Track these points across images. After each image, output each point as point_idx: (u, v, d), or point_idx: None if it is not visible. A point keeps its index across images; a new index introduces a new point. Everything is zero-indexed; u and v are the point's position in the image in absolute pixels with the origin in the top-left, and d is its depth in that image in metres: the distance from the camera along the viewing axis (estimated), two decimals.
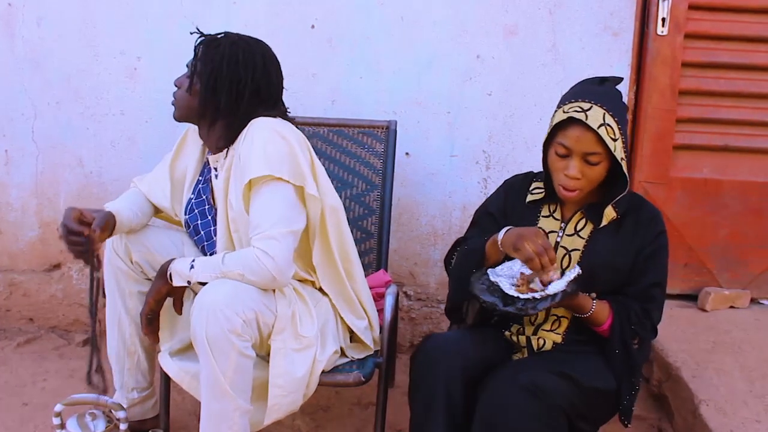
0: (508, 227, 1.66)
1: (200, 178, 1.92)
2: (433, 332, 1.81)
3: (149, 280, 1.91)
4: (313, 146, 1.80)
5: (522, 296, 1.56)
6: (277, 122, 1.72)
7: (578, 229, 1.72)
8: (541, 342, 1.73)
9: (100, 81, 2.56)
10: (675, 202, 2.58)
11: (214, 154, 1.82)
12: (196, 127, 1.84)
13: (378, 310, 1.98)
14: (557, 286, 1.56)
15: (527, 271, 1.61)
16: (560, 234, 1.73)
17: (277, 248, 1.61)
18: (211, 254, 1.84)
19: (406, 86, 2.52)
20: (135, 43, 2.53)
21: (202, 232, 1.88)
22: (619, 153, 1.60)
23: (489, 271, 1.65)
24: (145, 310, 1.73)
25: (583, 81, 1.72)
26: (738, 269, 2.64)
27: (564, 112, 1.63)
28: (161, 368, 1.81)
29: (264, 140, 1.66)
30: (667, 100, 2.52)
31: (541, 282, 1.58)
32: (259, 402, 1.68)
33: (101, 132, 2.59)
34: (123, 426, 1.82)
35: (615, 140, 1.59)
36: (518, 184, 1.86)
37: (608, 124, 1.58)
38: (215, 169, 1.84)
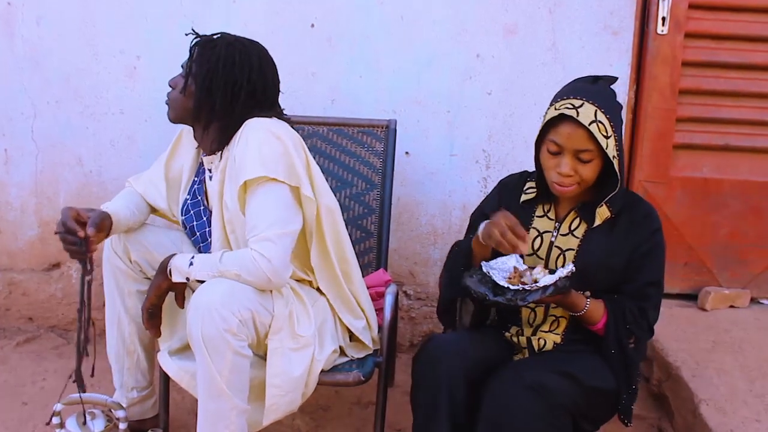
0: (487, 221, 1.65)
1: (195, 179, 1.92)
2: (434, 333, 1.80)
3: (148, 279, 1.91)
4: (312, 145, 1.80)
5: (512, 287, 1.56)
6: (272, 122, 1.71)
7: (572, 228, 1.72)
8: (542, 342, 1.73)
9: (100, 80, 2.55)
10: (675, 201, 2.58)
11: (209, 155, 1.82)
12: (191, 127, 1.84)
13: (377, 310, 1.97)
14: (548, 279, 1.56)
15: (521, 267, 1.62)
16: (554, 234, 1.73)
17: (274, 250, 1.60)
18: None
19: (406, 85, 2.52)
20: (134, 42, 2.52)
21: (197, 234, 1.88)
22: (612, 151, 1.59)
23: (482, 263, 1.65)
24: (146, 304, 1.73)
25: (576, 79, 1.71)
26: (738, 268, 2.64)
27: (555, 109, 1.62)
28: (160, 367, 1.80)
29: (259, 141, 1.66)
30: (667, 99, 2.52)
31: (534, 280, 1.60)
32: (257, 402, 1.67)
33: (101, 131, 2.59)
34: (122, 425, 1.82)
35: (607, 138, 1.58)
36: (513, 183, 1.85)
37: (600, 121, 1.58)
38: (209, 170, 1.84)
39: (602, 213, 1.68)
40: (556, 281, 1.55)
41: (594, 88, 1.64)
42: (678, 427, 2.11)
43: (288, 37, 2.49)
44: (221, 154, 1.78)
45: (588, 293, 1.67)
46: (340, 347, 1.85)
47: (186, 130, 1.94)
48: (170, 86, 1.80)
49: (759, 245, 2.63)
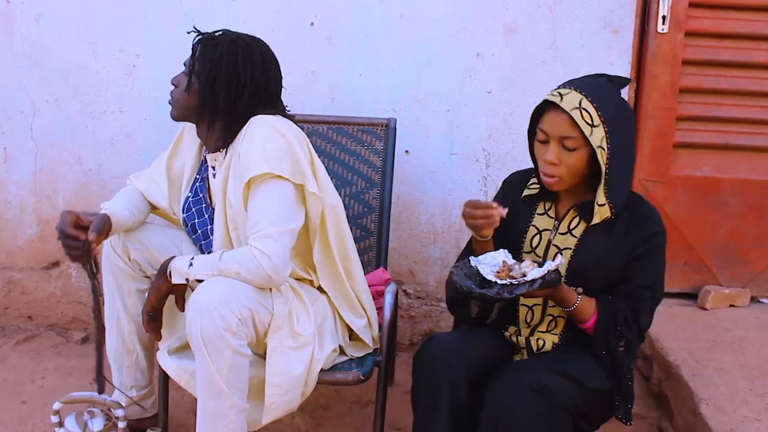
0: None
1: (197, 176, 1.91)
2: (434, 332, 1.80)
3: (148, 278, 1.91)
4: (312, 144, 1.80)
5: (499, 281, 1.55)
6: (277, 120, 1.71)
7: (571, 227, 1.71)
8: (541, 343, 1.72)
9: (99, 78, 2.55)
10: (675, 200, 2.58)
11: (212, 152, 1.81)
12: (193, 125, 1.84)
13: (377, 309, 1.97)
14: (535, 273, 1.55)
15: (510, 261, 1.61)
16: (553, 232, 1.73)
17: (274, 247, 1.60)
18: (208, 253, 1.83)
19: (406, 84, 2.51)
20: (134, 40, 2.52)
21: (199, 231, 1.87)
22: (597, 140, 1.57)
23: (471, 258, 1.65)
24: (147, 307, 1.73)
25: (585, 75, 1.71)
26: (738, 267, 2.64)
27: (543, 98, 1.64)
28: (160, 366, 1.80)
29: (263, 138, 1.65)
30: (668, 98, 2.52)
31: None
32: (256, 401, 1.67)
33: (100, 129, 2.59)
34: (121, 424, 1.82)
35: (593, 126, 1.56)
36: (517, 180, 1.85)
37: (584, 109, 1.56)
38: (213, 168, 1.84)
39: (602, 212, 1.65)
40: (544, 274, 1.54)
41: (589, 80, 1.64)
42: (678, 426, 2.11)
43: (288, 35, 2.49)
44: (225, 151, 1.78)
45: (580, 290, 1.66)
46: (340, 346, 1.85)
47: (188, 128, 1.94)
48: (173, 84, 1.79)
49: (759, 244, 2.63)
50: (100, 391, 1.83)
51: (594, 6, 2.45)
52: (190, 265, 1.65)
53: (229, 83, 1.71)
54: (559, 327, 1.72)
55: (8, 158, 2.62)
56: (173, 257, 1.70)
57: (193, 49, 1.76)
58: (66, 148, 2.60)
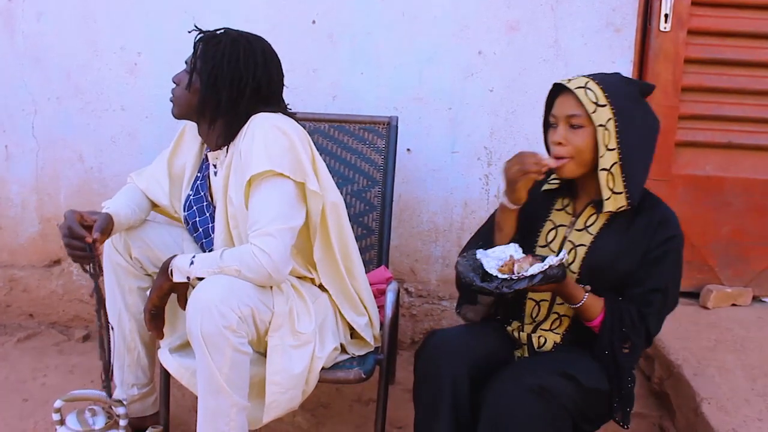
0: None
1: (198, 174, 1.91)
2: (435, 329, 1.79)
3: (149, 276, 1.91)
4: (314, 142, 1.80)
5: (500, 275, 1.55)
6: (278, 118, 1.71)
7: (588, 224, 1.70)
8: (542, 340, 1.72)
9: (101, 76, 2.55)
10: (677, 199, 2.57)
11: (214, 151, 1.81)
12: (194, 123, 1.83)
13: (379, 307, 1.97)
14: (536, 268, 1.54)
15: (517, 256, 1.60)
16: (570, 228, 1.72)
17: (274, 245, 1.60)
18: (209, 251, 1.83)
19: (408, 82, 2.51)
20: (135, 38, 2.52)
21: (200, 229, 1.87)
22: (601, 119, 1.58)
23: (477, 251, 1.64)
24: (149, 305, 1.73)
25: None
26: (740, 267, 2.63)
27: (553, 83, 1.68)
28: (161, 364, 1.80)
29: (265, 136, 1.65)
30: (670, 96, 2.51)
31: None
32: (257, 399, 1.67)
33: (101, 127, 2.59)
34: (123, 422, 1.82)
35: (598, 105, 1.59)
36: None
37: (590, 89, 1.60)
38: (214, 166, 1.84)
39: (617, 200, 1.63)
40: (545, 269, 1.53)
41: (605, 73, 1.67)
42: (679, 425, 2.11)
43: (289, 33, 2.48)
44: (227, 149, 1.78)
45: (588, 287, 1.65)
46: (341, 344, 1.85)
47: (189, 126, 1.93)
48: (174, 82, 1.79)
49: (761, 243, 2.62)
50: (109, 394, 1.83)
51: (596, 4, 2.44)
52: (191, 263, 1.65)
53: (230, 81, 1.71)
54: (563, 326, 1.72)
55: (10, 156, 2.62)
56: (175, 255, 1.70)
57: (194, 47, 1.76)
58: (67, 146, 2.60)
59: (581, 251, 1.68)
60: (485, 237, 1.76)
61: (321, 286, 1.83)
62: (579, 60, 2.46)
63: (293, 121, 1.76)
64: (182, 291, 1.70)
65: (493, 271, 1.56)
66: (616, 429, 1.75)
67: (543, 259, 1.58)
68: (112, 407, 1.84)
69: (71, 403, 1.84)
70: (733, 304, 2.61)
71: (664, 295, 1.65)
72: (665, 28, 2.47)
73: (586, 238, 1.69)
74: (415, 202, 2.60)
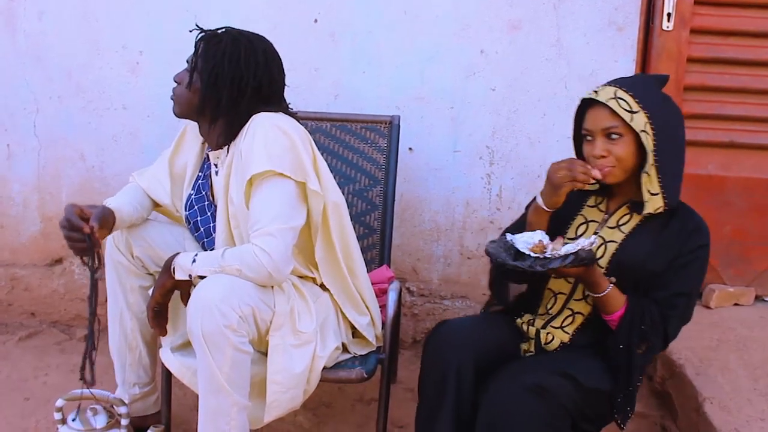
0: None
1: (200, 174, 1.91)
2: (444, 319, 1.80)
3: (150, 274, 1.91)
4: (315, 141, 1.79)
5: (533, 254, 1.55)
6: (279, 117, 1.71)
7: (620, 223, 1.70)
8: (549, 337, 1.71)
9: (102, 75, 2.55)
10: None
11: (215, 150, 1.81)
12: (196, 123, 1.83)
13: (380, 306, 1.97)
14: (569, 248, 1.54)
15: (546, 241, 1.60)
16: (601, 225, 1.72)
17: (274, 245, 1.60)
18: (211, 250, 1.83)
19: (409, 81, 2.51)
20: (137, 37, 2.52)
21: (201, 229, 1.87)
22: (638, 125, 1.59)
23: (507, 234, 1.65)
24: (151, 303, 1.73)
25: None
26: (742, 266, 2.63)
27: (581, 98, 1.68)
28: (163, 364, 1.80)
29: (265, 135, 1.65)
30: (672, 95, 2.47)
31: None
32: (259, 399, 1.67)
33: (103, 126, 2.59)
34: (124, 421, 1.82)
35: (632, 112, 1.59)
36: None
37: (620, 98, 1.60)
38: (215, 165, 1.83)
39: (655, 202, 1.64)
40: (578, 250, 1.53)
41: (622, 77, 1.69)
42: (682, 425, 2.10)
43: (291, 32, 2.48)
44: (227, 148, 1.78)
45: (613, 279, 1.64)
46: (343, 344, 1.84)
47: (190, 126, 1.93)
48: (175, 81, 1.79)
49: (763, 243, 2.61)
50: (87, 382, 1.79)
51: (598, 3, 2.44)
52: (194, 261, 1.65)
53: (231, 81, 1.71)
54: (575, 325, 1.71)
55: (11, 155, 2.62)
56: (178, 253, 1.70)
57: (196, 46, 1.76)
58: (69, 145, 2.60)
59: (611, 247, 1.68)
60: (516, 233, 1.75)
61: (322, 286, 1.83)
62: (581, 59, 2.46)
63: (294, 120, 1.76)
64: (185, 289, 1.70)
65: (526, 251, 1.57)
66: (614, 429, 1.75)
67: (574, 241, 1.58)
68: (114, 406, 1.84)
69: (73, 402, 1.84)
70: (736, 304, 2.60)
71: (687, 299, 1.66)
72: (668, 27, 2.47)
73: (618, 236, 1.69)
74: (416, 202, 2.59)
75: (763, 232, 2.61)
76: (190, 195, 1.91)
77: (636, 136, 1.61)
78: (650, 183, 1.63)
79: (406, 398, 2.28)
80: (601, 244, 1.69)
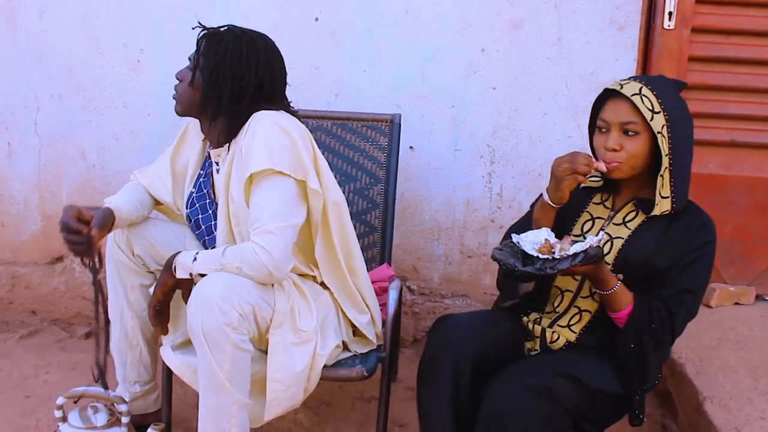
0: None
1: (201, 171, 1.91)
2: (447, 314, 1.80)
3: (151, 273, 1.91)
4: (316, 140, 1.80)
5: (542, 256, 1.54)
6: (280, 115, 1.71)
7: (627, 220, 1.70)
8: (555, 336, 1.71)
9: (103, 74, 2.55)
10: None
11: (216, 148, 1.81)
12: (197, 120, 1.83)
13: (381, 305, 1.97)
14: (578, 247, 1.53)
15: (552, 239, 1.59)
16: (607, 222, 1.72)
17: (274, 243, 1.60)
18: (212, 248, 1.83)
19: (410, 80, 2.51)
20: (138, 35, 2.52)
21: (203, 227, 1.87)
22: (657, 126, 1.59)
23: (512, 235, 1.64)
24: (153, 301, 1.73)
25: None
26: (743, 266, 2.63)
27: (604, 88, 1.67)
28: (163, 362, 1.80)
29: (266, 134, 1.65)
30: None
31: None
32: (259, 397, 1.67)
33: (104, 125, 2.59)
34: (125, 419, 1.82)
35: (654, 112, 1.59)
36: None
37: (645, 95, 1.60)
38: (217, 163, 1.84)
39: (663, 204, 1.64)
40: (587, 249, 1.52)
41: (647, 75, 1.69)
42: (682, 424, 2.10)
43: (291, 31, 2.48)
44: (229, 146, 1.78)
45: (621, 276, 1.63)
46: (344, 342, 1.84)
47: (192, 124, 1.93)
48: (177, 79, 1.79)
49: (764, 242, 2.61)
50: (104, 387, 1.82)
51: (600, 2, 2.44)
52: (194, 259, 1.65)
53: (233, 79, 1.71)
54: (581, 324, 1.71)
55: (12, 153, 2.62)
56: (179, 252, 1.70)
57: (197, 44, 1.76)
58: (70, 144, 2.61)
59: (618, 243, 1.67)
60: (521, 230, 1.74)
61: (323, 284, 1.83)
62: (582, 58, 2.46)
63: (295, 119, 1.76)
64: (187, 287, 1.70)
65: (534, 253, 1.55)
66: (619, 429, 1.75)
67: (580, 239, 1.58)
68: (114, 404, 1.84)
69: (73, 400, 1.84)
70: (737, 303, 2.60)
71: (694, 296, 1.65)
72: (669, 26, 2.47)
73: (624, 232, 1.68)
74: (417, 200, 2.59)
75: (764, 231, 2.60)
76: (192, 193, 1.91)
77: (652, 136, 1.60)
78: (663, 186, 1.63)
79: (407, 397, 2.28)
80: (608, 241, 1.68)
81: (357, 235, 1.92)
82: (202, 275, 1.63)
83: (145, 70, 2.54)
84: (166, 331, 1.78)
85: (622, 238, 1.68)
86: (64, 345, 2.60)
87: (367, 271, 1.96)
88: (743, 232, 2.60)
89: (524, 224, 1.77)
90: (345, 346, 1.85)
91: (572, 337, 1.71)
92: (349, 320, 1.85)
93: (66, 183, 2.63)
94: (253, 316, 1.60)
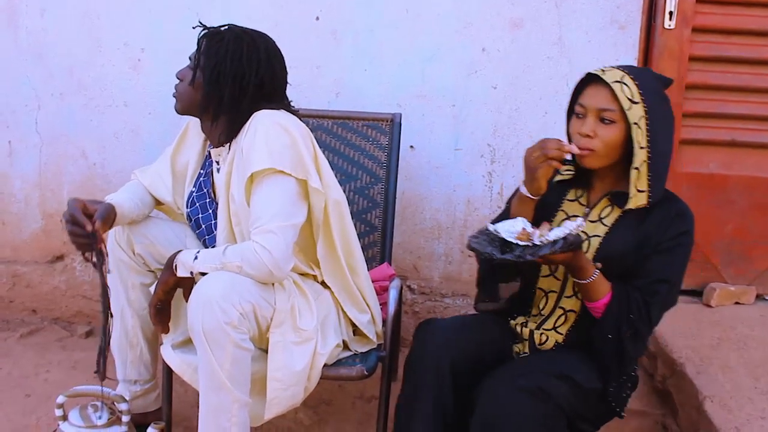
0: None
1: (201, 171, 1.91)
2: (430, 318, 1.79)
3: (152, 272, 1.91)
4: (317, 139, 1.80)
5: (521, 243, 1.51)
6: (281, 115, 1.71)
7: (602, 216, 1.68)
8: (544, 338, 1.71)
9: (104, 72, 2.55)
10: (680, 197, 2.52)
11: (216, 147, 1.81)
12: (198, 119, 1.83)
13: (381, 304, 1.97)
14: (558, 232, 1.51)
15: (529, 228, 1.57)
16: (583, 219, 1.71)
17: (275, 242, 1.60)
18: (212, 248, 1.83)
19: (411, 79, 2.51)
20: (138, 34, 2.52)
21: (203, 226, 1.87)
22: (634, 117, 1.56)
23: (488, 224, 1.61)
24: (154, 300, 1.73)
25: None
26: (743, 265, 2.63)
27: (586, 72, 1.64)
28: (164, 360, 1.80)
29: (266, 133, 1.65)
30: (674, 94, 2.48)
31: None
32: (259, 396, 1.67)
33: (105, 124, 2.59)
34: (125, 418, 1.82)
35: (632, 102, 1.56)
36: None
37: (626, 84, 1.57)
38: (217, 162, 1.84)
39: (638, 198, 1.62)
40: (566, 235, 1.50)
41: (636, 66, 1.65)
42: (682, 423, 2.10)
43: (292, 30, 2.48)
44: (229, 146, 1.78)
45: (599, 265, 1.62)
46: (344, 341, 1.85)
47: (192, 123, 1.93)
48: (178, 78, 1.79)
49: (764, 242, 2.62)
50: (102, 375, 1.81)
51: (600, 1, 2.44)
52: (195, 258, 1.65)
53: (233, 78, 1.71)
54: (567, 324, 1.70)
55: (13, 152, 2.63)
56: (180, 250, 1.70)
57: (198, 43, 1.76)
58: (70, 142, 2.61)
59: (595, 242, 1.66)
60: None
61: (323, 283, 1.83)
62: (583, 57, 2.45)
63: (296, 118, 1.76)
64: (188, 286, 1.70)
65: (512, 240, 1.52)
66: (615, 428, 1.75)
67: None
68: (115, 403, 1.84)
69: (74, 398, 1.84)
70: (737, 303, 2.60)
71: (669, 286, 1.63)
72: (670, 25, 2.47)
73: (601, 230, 1.67)
74: (418, 200, 2.59)
75: (765, 230, 2.61)
76: (192, 192, 1.91)
77: (628, 126, 1.58)
78: (639, 180, 1.61)
79: None
80: (585, 240, 1.66)
81: (357, 234, 1.92)
82: (203, 274, 1.64)
83: (145, 69, 2.54)
84: (166, 330, 1.78)
85: (600, 236, 1.66)
86: (65, 344, 2.61)
87: (368, 270, 1.96)
88: (743, 232, 2.60)
89: (504, 218, 1.74)
90: (345, 345, 1.86)
91: (560, 339, 1.70)
92: (350, 319, 1.85)
93: (67, 181, 2.63)
94: (254, 315, 1.60)
